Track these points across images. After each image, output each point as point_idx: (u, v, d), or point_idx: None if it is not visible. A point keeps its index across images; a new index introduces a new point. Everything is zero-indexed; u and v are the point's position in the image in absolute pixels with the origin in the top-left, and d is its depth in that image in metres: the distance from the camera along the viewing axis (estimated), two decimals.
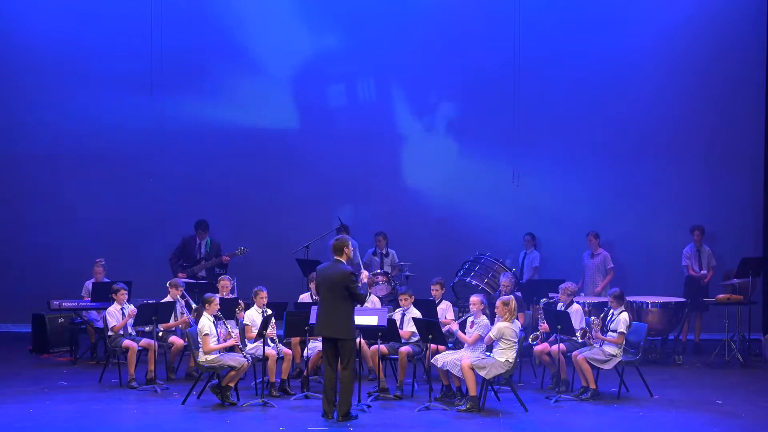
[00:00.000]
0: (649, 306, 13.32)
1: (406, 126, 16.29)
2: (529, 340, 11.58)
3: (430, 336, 10.77)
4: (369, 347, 11.59)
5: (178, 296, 12.37)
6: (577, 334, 11.32)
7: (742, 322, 13.65)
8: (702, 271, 14.37)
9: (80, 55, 16.11)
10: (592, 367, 11.14)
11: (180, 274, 14.18)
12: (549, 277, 14.18)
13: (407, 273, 14.54)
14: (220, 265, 14.52)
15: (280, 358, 11.35)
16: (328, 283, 10.09)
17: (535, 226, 15.34)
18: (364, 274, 11.64)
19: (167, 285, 12.47)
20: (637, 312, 13.14)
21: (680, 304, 13.55)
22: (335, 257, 10.23)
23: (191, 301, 12.53)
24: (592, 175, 15.99)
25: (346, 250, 10.23)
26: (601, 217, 15.57)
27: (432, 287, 12.32)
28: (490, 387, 10.76)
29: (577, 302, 11.97)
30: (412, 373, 11.68)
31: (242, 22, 16.23)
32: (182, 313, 12.24)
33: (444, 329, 11.13)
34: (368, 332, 10.93)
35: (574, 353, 11.25)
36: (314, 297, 12.20)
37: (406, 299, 11.75)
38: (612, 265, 14.52)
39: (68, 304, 13.49)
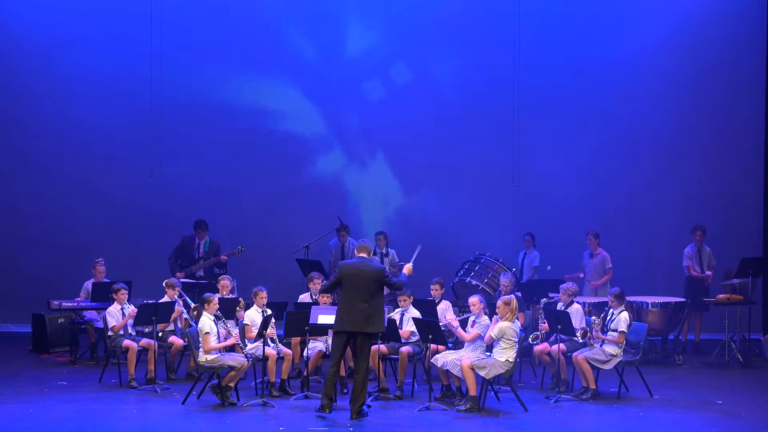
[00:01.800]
0: (649, 306, 13.31)
1: (406, 126, 16.27)
2: (529, 340, 11.57)
3: (430, 336, 10.76)
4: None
5: (176, 296, 12.36)
6: (578, 334, 11.31)
7: (742, 322, 13.64)
8: (707, 272, 14.36)
9: (81, 55, 16.11)
10: (593, 367, 11.14)
11: (178, 274, 14.16)
12: (549, 277, 14.17)
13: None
14: (219, 264, 14.50)
15: (280, 358, 11.34)
16: (361, 279, 10.13)
17: (535, 226, 15.34)
18: (407, 267, 10.79)
19: (163, 285, 12.45)
20: (637, 312, 13.13)
21: (680, 304, 13.54)
22: (361, 254, 10.36)
23: (189, 300, 12.51)
24: (592, 175, 16.00)
25: (370, 253, 10.52)
26: (601, 217, 15.57)
27: (432, 287, 12.30)
28: (490, 387, 10.76)
29: (577, 302, 11.97)
30: (412, 373, 11.67)
31: (242, 24, 16.24)
32: (181, 313, 12.21)
33: (442, 323, 11.13)
34: None
35: (574, 353, 11.25)
36: (314, 297, 12.21)
37: (404, 300, 11.71)
38: (610, 266, 14.49)
39: (68, 304, 13.48)
